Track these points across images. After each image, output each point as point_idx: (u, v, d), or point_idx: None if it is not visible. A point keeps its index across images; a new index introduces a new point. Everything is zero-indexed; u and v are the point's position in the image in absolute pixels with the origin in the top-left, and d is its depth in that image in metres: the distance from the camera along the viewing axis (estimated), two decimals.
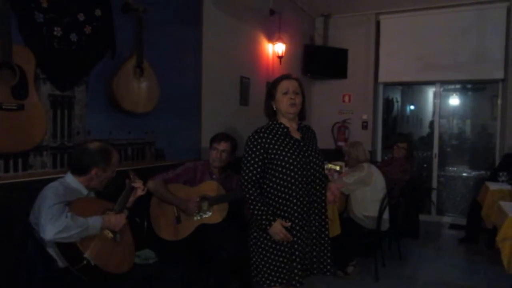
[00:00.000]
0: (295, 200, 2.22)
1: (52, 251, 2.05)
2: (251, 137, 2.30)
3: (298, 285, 2.21)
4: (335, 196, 2.35)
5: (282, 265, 2.23)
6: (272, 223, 2.19)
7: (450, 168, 6.49)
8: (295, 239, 2.23)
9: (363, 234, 3.84)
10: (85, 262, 1.96)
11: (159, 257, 2.72)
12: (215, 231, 2.95)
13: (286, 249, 2.23)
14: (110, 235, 2.16)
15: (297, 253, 2.23)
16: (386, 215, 3.85)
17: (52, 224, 1.90)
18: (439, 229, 5.76)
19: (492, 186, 4.36)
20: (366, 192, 3.79)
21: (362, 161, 3.92)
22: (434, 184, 6.17)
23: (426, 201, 6.11)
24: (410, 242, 4.94)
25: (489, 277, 3.94)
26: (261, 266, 2.26)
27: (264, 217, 2.20)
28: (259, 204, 2.22)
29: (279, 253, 2.23)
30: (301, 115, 2.41)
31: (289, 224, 2.21)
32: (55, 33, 2.49)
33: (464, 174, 6.42)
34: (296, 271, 2.21)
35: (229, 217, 3.03)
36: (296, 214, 2.23)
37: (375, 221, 3.75)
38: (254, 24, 4.86)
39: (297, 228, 2.23)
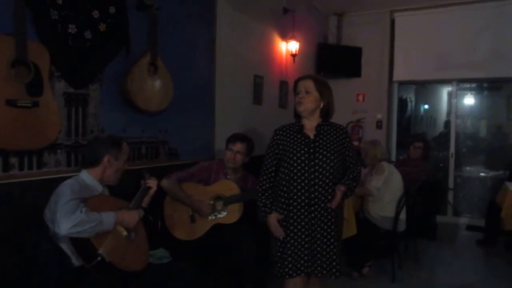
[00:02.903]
0: (292, 194, 2.30)
1: (66, 248, 2.04)
2: (272, 135, 2.45)
3: (287, 276, 2.29)
4: (336, 200, 2.28)
5: (276, 258, 2.34)
6: (268, 215, 2.34)
7: (467, 168, 6.37)
8: (288, 232, 2.30)
9: (379, 235, 3.77)
10: (99, 258, 1.94)
11: (173, 257, 2.69)
12: (230, 231, 2.91)
13: (278, 243, 2.33)
14: (125, 233, 2.14)
15: (288, 245, 2.29)
16: (403, 216, 3.77)
17: (67, 219, 1.89)
18: (456, 230, 5.65)
19: None
20: (384, 192, 3.71)
21: (379, 160, 3.85)
22: (451, 184, 6.05)
23: (442, 202, 5.99)
24: (426, 243, 4.84)
25: (508, 280, 3.83)
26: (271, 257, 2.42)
27: (263, 208, 2.37)
28: (262, 196, 2.39)
29: (277, 243, 2.34)
30: (323, 113, 2.41)
31: (282, 216, 2.31)
32: (69, 30, 2.48)
33: (482, 174, 6.30)
34: (286, 263, 2.28)
35: (244, 218, 2.99)
36: (291, 207, 2.30)
37: (392, 222, 3.68)
38: (268, 22, 4.82)
39: (291, 221, 2.30)
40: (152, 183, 2.46)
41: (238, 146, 3.13)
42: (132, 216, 2.19)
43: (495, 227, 4.77)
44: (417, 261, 4.24)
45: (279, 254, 2.33)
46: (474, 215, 6.02)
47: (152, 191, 2.45)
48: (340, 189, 2.29)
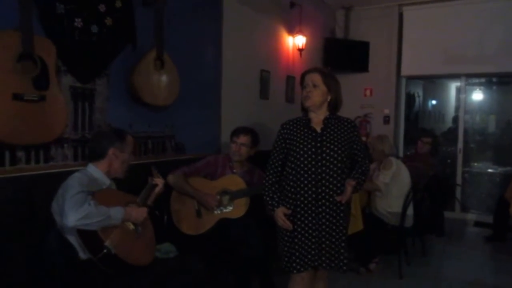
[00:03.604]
0: (299, 189, 2.28)
1: (73, 241, 2.04)
2: (279, 129, 2.42)
3: (294, 271, 2.28)
4: (347, 195, 2.24)
5: (284, 252, 2.32)
6: (275, 209, 2.32)
7: (475, 164, 6.31)
8: (295, 226, 2.28)
9: (386, 230, 3.74)
10: (105, 250, 1.95)
11: (180, 251, 2.69)
12: (236, 226, 2.90)
13: (285, 237, 2.31)
14: (132, 226, 2.15)
15: (296, 240, 2.27)
16: (410, 211, 3.74)
17: (75, 211, 1.90)
18: (464, 227, 5.61)
19: None
20: (391, 187, 3.69)
21: (387, 155, 3.82)
22: (459, 180, 6.00)
23: (450, 198, 5.95)
24: (434, 239, 4.81)
25: None
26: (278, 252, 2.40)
27: (270, 202, 2.35)
28: (269, 191, 2.37)
29: (284, 238, 2.32)
30: (331, 107, 2.38)
31: (290, 211, 2.28)
32: (75, 24, 2.47)
33: (490, 170, 6.24)
34: (294, 258, 2.27)
35: (251, 212, 2.98)
36: (298, 203, 2.28)
37: (399, 217, 3.66)
38: (275, 16, 4.79)
39: (299, 216, 2.28)
40: (159, 181, 2.45)
41: (242, 139, 3.13)
42: (140, 213, 2.19)
43: (503, 223, 4.74)
44: (424, 257, 4.22)
45: (286, 248, 2.31)
46: (482, 212, 5.96)
47: (157, 189, 2.44)
48: (351, 184, 2.25)
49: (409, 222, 3.76)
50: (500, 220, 4.78)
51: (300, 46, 5.14)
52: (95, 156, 2.27)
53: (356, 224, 3.42)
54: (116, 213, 2.04)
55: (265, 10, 4.57)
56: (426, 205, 4.35)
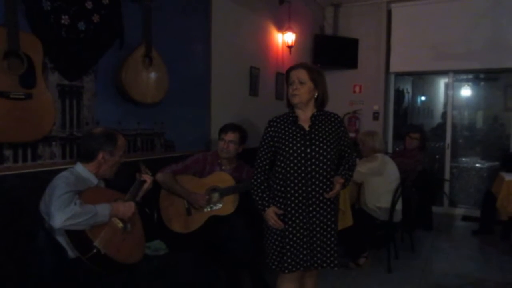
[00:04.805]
0: (289, 188, 2.26)
1: (62, 240, 2.03)
2: (266, 126, 2.38)
3: (286, 271, 2.26)
4: (337, 190, 2.27)
5: (272, 250, 2.31)
6: (266, 208, 2.30)
7: (463, 159, 6.39)
8: (286, 226, 2.26)
9: (375, 225, 3.78)
10: (95, 250, 1.94)
11: (170, 249, 2.69)
12: (226, 223, 2.91)
13: (275, 236, 2.30)
14: (120, 224, 2.13)
15: (287, 240, 2.25)
16: (399, 206, 3.78)
17: (62, 212, 1.88)
18: (452, 221, 5.68)
19: (508, 176, 4.27)
20: (379, 183, 3.71)
21: (377, 151, 3.84)
22: (447, 175, 6.08)
23: (438, 193, 6.02)
24: (423, 233, 4.87)
25: (504, 269, 3.86)
26: (266, 250, 2.39)
27: (260, 202, 2.32)
28: (258, 190, 2.34)
29: (274, 237, 2.31)
30: (318, 103, 2.37)
31: (281, 212, 2.27)
32: (62, 21, 2.45)
33: (477, 165, 6.32)
34: (285, 258, 2.25)
35: (240, 209, 2.99)
36: (289, 202, 2.26)
37: (388, 212, 3.69)
38: (264, 13, 4.79)
39: (289, 216, 2.26)
40: (147, 177, 2.43)
41: (230, 136, 3.13)
42: (128, 207, 2.17)
43: (490, 217, 4.81)
44: (413, 251, 4.27)
45: (274, 247, 2.30)
46: (470, 206, 6.06)
47: (146, 186, 2.41)
48: (340, 182, 2.26)
49: (398, 217, 3.80)
50: (487, 214, 4.86)
51: (290, 43, 5.15)
52: (84, 157, 2.24)
53: (346, 220, 3.44)
54: (103, 209, 2.02)
55: (254, 6, 4.57)
56: (414, 200, 4.40)
